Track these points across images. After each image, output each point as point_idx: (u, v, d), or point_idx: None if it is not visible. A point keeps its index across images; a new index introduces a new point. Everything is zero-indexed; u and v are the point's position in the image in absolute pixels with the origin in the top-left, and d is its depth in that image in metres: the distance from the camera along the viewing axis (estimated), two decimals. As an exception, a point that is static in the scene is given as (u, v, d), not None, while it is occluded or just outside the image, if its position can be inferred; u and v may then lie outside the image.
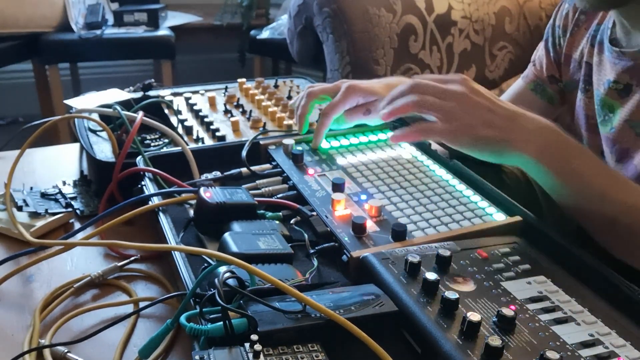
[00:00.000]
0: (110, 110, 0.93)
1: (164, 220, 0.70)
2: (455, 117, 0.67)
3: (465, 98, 0.67)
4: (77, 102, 1.00)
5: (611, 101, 0.84)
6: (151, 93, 1.09)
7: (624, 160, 0.82)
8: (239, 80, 1.15)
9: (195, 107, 1.03)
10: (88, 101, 1.00)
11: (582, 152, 0.67)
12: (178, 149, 0.85)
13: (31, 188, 0.87)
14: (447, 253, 0.60)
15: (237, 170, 0.81)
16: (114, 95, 1.04)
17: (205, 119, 0.98)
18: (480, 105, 0.67)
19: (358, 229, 0.66)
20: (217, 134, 0.93)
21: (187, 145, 0.88)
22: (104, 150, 0.91)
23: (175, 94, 1.10)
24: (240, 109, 1.04)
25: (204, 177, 0.80)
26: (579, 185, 0.65)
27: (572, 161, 0.65)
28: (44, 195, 0.85)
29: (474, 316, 0.50)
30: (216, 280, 0.50)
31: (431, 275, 0.56)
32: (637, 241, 0.62)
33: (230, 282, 0.51)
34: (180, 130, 0.96)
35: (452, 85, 0.69)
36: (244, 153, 0.84)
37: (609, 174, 0.66)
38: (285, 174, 0.80)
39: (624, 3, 0.76)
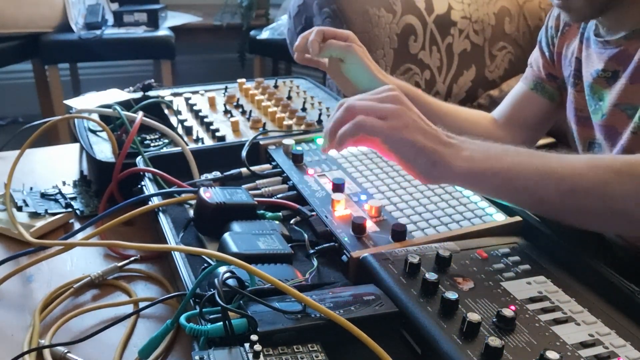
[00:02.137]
0: (110, 110, 0.93)
1: (164, 221, 0.70)
2: (394, 117, 0.63)
3: (401, 112, 0.64)
4: (77, 102, 1.00)
5: (600, 89, 0.86)
6: (151, 93, 1.09)
7: (618, 144, 0.83)
8: (238, 80, 1.15)
9: (195, 107, 1.03)
10: (88, 101, 1.00)
11: (504, 147, 0.65)
12: (178, 149, 0.85)
13: (31, 188, 0.87)
14: (447, 253, 0.60)
15: (237, 170, 0.81)
16: (114, 95, 1.04)
17: (205, 119, 0.98)
18: (415, 118, 0.64)
19: (358, 229, 0.66)
20: (217, 134, 0.93)
21: (187, 145, 0.88)
22: (103, 150, 0.91)
23: (175, 94, 1.10)
24: (240, 109, 1.04)
25: (204, 177, 0.80)
26: (519, 173, 0.62)
27: (499, 156, 0.63)
28: (43, 196, 0.85)
29: (473, 316, 0.50)
30: (216, 280, 0.50)
31: (431, 276, 0.56)
32: (598, 200, 0.61)
33: (230, 282, 0.51)
34: (180, 130, 0.96)
35: (387, 106, 0.65)
36: (244, 153, 0.84)
37: (542, 154, 0.64)
38: (285, 174, 0.80)
39: (601, 14, 0.82)
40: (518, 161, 0.63)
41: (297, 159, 0.82)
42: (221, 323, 0.48)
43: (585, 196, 0.61)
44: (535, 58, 1.07)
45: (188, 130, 0.95)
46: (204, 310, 0.50)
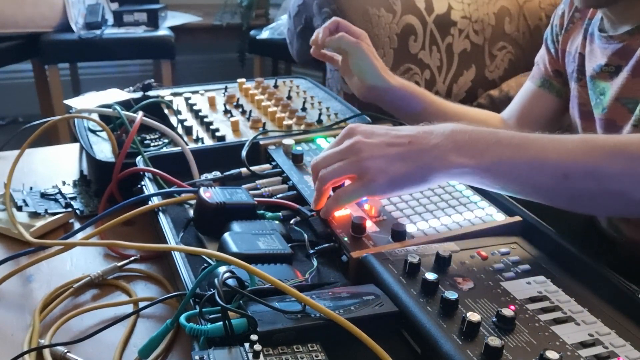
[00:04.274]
0: (110, 110, 0.93)
1: (163, 220, 0.70)
2: (361, 170, 0.64)
3: (360, 145, 0.64)
4: (77, 102, 1.00)
5: (602, 83, 0.86)
6: (151, 93, 1.09)
7: None
8: (238, 80, 1.15)
9: (195, 107, 1.03)
10: (88, 101, 1.00)
11: (496, 136, 0.63)
12: (178, 149, 0.85)
13: (31, 188, 0.87)
14: (447, 253, 0.60)
15: (237, 170, 0.81)
16: (114, 95, 1.04)
17: (205, 119, 0.98)
18: (378, 145, 0.64)
19: (358, 229, 0.66)
20: (217, 134, 0.93)
21: (187, 145, 0.88)
22: (103, 150, 0.91)
23: (175, 94, 1.10)
24: (240, 109, 1.04)
25: (203, 177, 0.80)
26: (510, 167, 0.62)
27: (489, 149, 0.62)
28: (43, 195, 0.85)
29: (473, 316, 0.50)
30: (216, 280, 0.50)
31: (431, 276, 0.56)
32: (593, 182, 0.61)
33: (230, 282, 0.51)
34: (180, 130, 0.96)
35: (344, 142, 0.66)
36: (243, 153, 0.84)
37: (533, 140, 0.63)
38: (285, 174, 0.80)
39: (608, 4, 0.82)
40: (509, 153, 0.62)
41: (297, 159, 0.82)
42: (221, 323, 0.48)
43: (580, 180, 0.61)
44: (541, 56, 1.07)
45: (188, 130, 0.95)
46: (203, 310, 0.50)
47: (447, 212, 0.71)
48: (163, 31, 2.73)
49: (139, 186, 0.78)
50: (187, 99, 1.07)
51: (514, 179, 0.63)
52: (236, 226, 0.66)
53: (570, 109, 0.98)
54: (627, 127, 0.81)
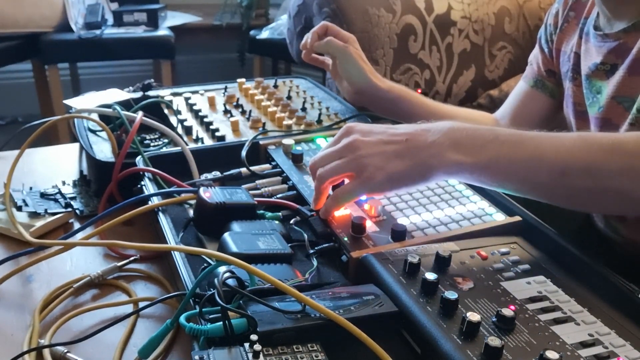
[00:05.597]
0: (110, 110, 0.93)
1: (163, 220, 0.70)
2: (359, 167, 0.64)
3: (358, 143, 0.65)
4: (76, 102, 1.00)
5: (598, 82, 0.86)
6: (151, 93, 1.09)
7: None
8: (238, 80, 1.15)
9: (194, 107, 1.03)
10: (88, 101, 1.00)
11: (493, 133, 0.63)
12: (178, 149, 0.85)
13: (31, 188, 0.87)
14: (447, 253, 0.60)
15: (237, 170, 0.81)
16: (114, 95, 1.04)
17: (205, 119, 0.98)
18: (376, 143, 0.65)
19: (357, 229, 0.66)
20: (217, 134, 0.93)
21: (187, 145, 0.88)
22: (103, 150, 0.91)
23: (174, 94, 1.10)
24: (240, 109, 1.04)
25: (203, 177, 0.80)
26: (507, 164, 0.62)
27: (487, 146, 0.62)
28: (43, 195, 0.85)
29: (473, 316, 0.50)
30: (216, 280, 0.50)
31: (431, 276, 0.56)
32: (590, 179, 0.61)
33: (230, 282, 0.51)
34: (179, 130, 0.96)
35: (342, 141, 0.67)
36: (243, 153, 0.84)
37: (530, 137, 0.63)
38: (285, 174, 0.80)
39: None
40: (507, 150, 0.62)
41: (296, 159, 0.82)
42: (221, 323, 0.48)
43: (578, 177, 0.61)
44: (535, 55, 1.07)
45: (188, 130, 0.95)
46: (203, 310, 0.50)
47: (447, 212, 0.71)
48: (163, 31, 2.73)
49: (139, 186, 0.78)
50: (187, 99, 1.07)
51: (512, 177, 0.63)
52: (236, 226, 0.66)
53: (564, 108, 0.99)
54: (624, 126, 0.81)
